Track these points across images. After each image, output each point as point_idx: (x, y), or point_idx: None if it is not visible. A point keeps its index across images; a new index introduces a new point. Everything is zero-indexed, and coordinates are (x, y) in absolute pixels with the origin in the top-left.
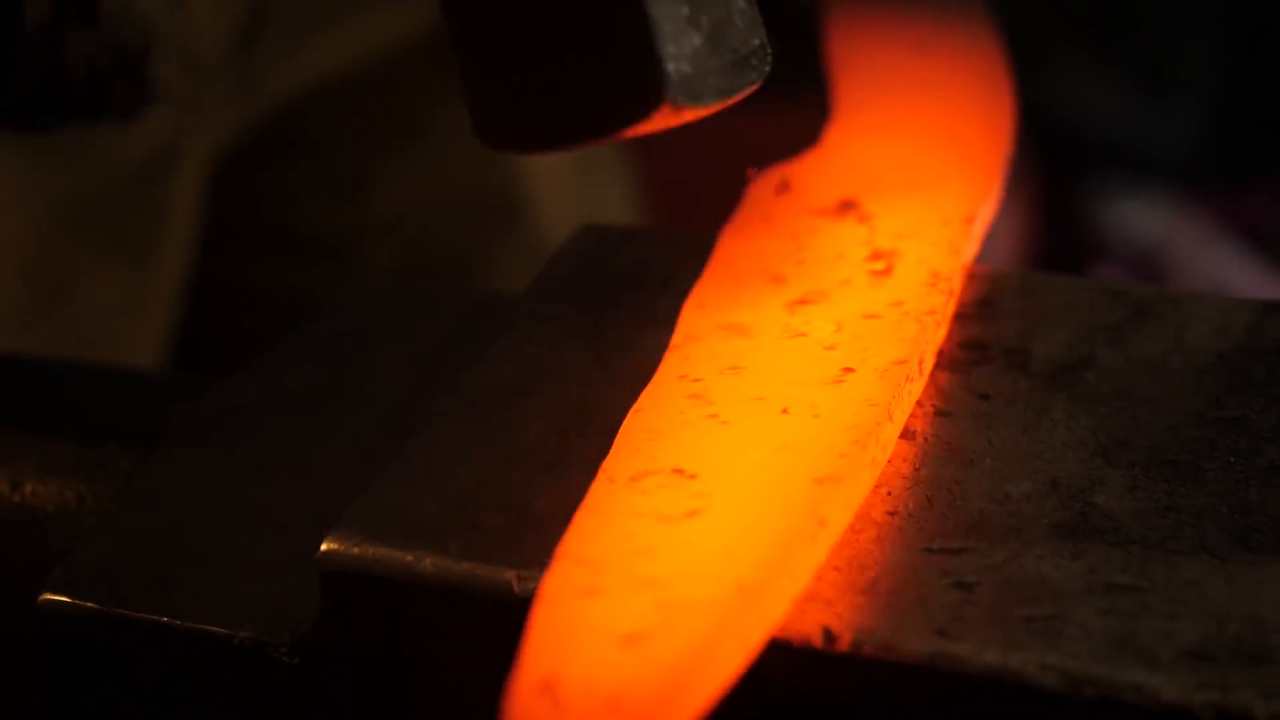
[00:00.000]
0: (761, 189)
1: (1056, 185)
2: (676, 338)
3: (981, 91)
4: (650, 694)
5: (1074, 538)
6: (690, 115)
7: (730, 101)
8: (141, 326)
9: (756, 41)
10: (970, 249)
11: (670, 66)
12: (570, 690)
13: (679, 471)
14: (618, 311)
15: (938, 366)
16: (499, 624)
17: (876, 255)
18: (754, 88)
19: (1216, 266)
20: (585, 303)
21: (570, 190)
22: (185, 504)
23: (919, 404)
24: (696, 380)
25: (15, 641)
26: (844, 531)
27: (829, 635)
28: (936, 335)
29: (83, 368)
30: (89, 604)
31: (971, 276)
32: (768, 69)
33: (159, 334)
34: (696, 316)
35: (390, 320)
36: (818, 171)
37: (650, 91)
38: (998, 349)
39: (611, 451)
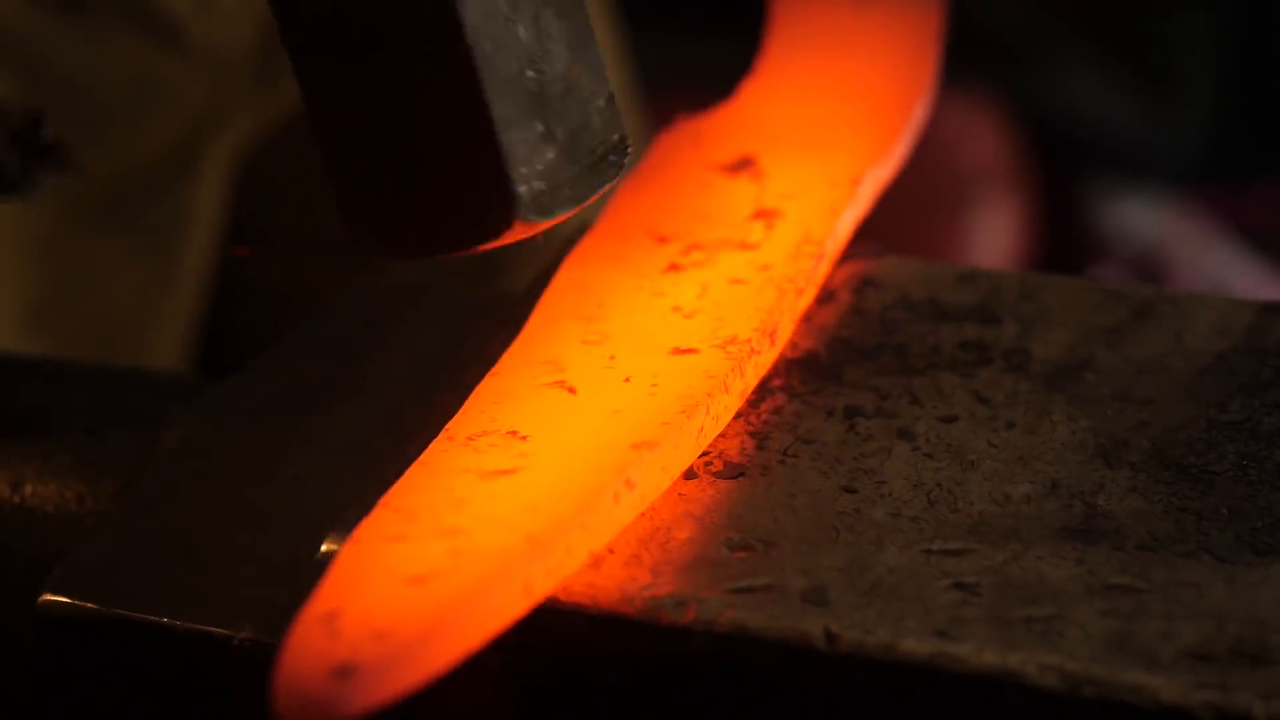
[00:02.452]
0: (667, 142)
1: (1056, 185)
2: (547, 297)
3: (903, 54)
4: (418, 628)
5: (1074, 539)
6: (543, 227)
7: (584, 205)
8: (162, 324)
9: (615, 136)
10: (854, 211)
11: (522, 189)
12: (347, 622)
13: (513, 433)
14: None
15: (938, 367)
16: None
17: (759, 214)
18: (611, 185)
19: (1216, 266)
20: None
21: None
22: (185, 504)
23: (919, 405)
24: (554, 346)
25: (15, 641)
26: (662, 494)
27: (829, 635)
28: (797, 302)
29: (82, 368)
30: (89, 604)
31: (971, 276)
32: (627, 159)
33: (180, 331)
34: (572, 271)
35: (390, 320)
36: (724, 126)
37: (503, 213)
38: (997, 350)
39: (459, 413)
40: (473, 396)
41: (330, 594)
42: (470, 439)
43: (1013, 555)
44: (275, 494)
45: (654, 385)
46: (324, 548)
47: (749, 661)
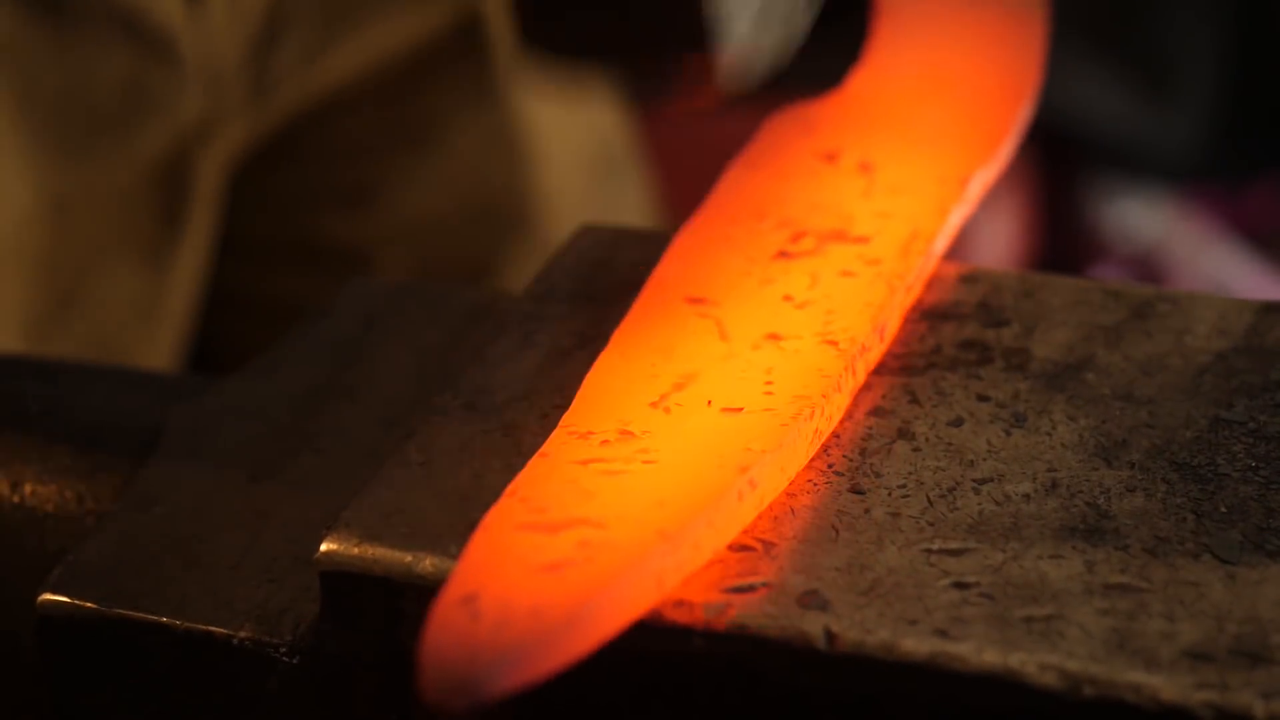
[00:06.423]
0: (777, 127)
1: (1056, 185)
2: (658, 272)
3: (1012, 56)
4: (561, 612)
5: (1073, 538)
6: (734, 54)
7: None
8: (156, 332)
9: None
10: (961, 210)
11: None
12: (488, 603)
13: (629, 430)
14: (617, 312)
15: (938, 367)
16: None
17: (868, 207)
18: (794, 42)
19: (1216, 266)
20: (584, 303)
21: (584, 199)
22: (185, 504)
23: (919, 405)
24: (665, 333)
25: (15, 641)
26: (780, 495)
27: (829, 635)
28: (905, 299)
29: (82, 368)
30: (89, 604)
31: (972, 277)
32: (804, 27)
33: (173, 340)
34: (683, 246)
35: (390, 320)
36: (833, 115)
37: (705, 42)
38: (997, 349)
39: (574, 402)
40: (587, 383)
41: (466, 578)
42: (590, 433)
43: (1012, 554)
44: (275, 494)
45: (769, 383)
46: (324, 547)
47: (749, 661)
